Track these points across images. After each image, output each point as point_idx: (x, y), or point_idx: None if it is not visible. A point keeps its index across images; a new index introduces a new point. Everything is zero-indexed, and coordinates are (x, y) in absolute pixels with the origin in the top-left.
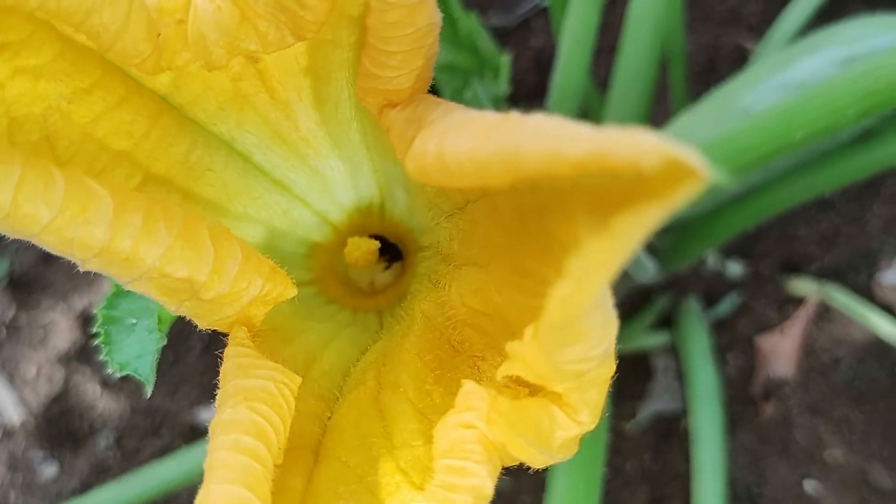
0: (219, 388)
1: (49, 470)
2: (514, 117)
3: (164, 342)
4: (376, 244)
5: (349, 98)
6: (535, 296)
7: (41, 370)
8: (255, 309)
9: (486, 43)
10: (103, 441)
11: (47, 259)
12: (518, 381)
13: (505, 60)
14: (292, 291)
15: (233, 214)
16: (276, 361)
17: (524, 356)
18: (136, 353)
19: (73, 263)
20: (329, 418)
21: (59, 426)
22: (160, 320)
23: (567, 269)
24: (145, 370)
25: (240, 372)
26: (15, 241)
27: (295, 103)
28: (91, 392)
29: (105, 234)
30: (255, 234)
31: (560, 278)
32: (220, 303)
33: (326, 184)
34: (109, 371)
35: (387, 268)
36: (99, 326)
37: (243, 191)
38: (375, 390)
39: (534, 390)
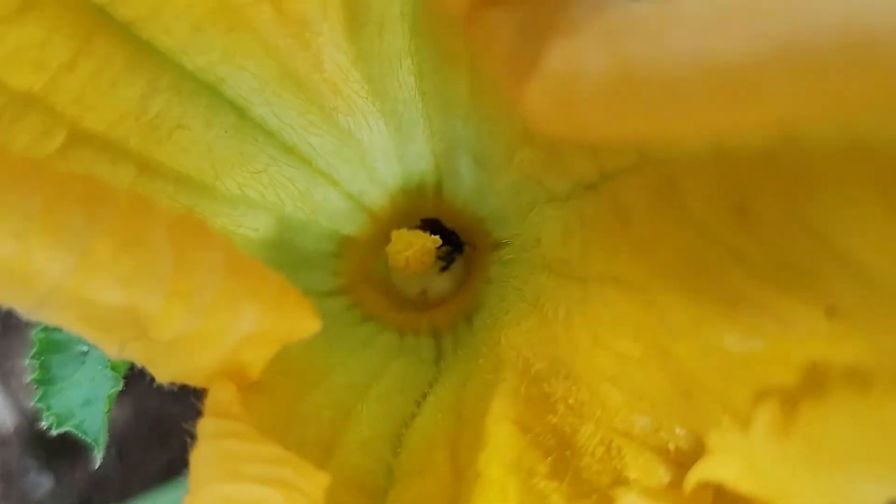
0: (188, 491)
1: (45, 483)
2: None
3: (121, 386)
4: (436, 240)
5: (401, 17)
6: (768, 359)
7: None
8: (251, 353)
9: None
10: (103, 452)
11: None
12: (717, 494)
13: None
14: (314, 324)
15: (221, 196)
16: (288, 427)
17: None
18: (82, 398)
19: None
20: None
21: (56, 437)
22: None
23: None
24: (93, 425)
25: (223, 467)
26: None
27: (316, 24)
28: None
29: None
30: (258, 226)
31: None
32: (188, 346)
33: (362, 153)
34: (43, 425)
35: (444, 268)
36: (34, 356)
37: (237, 161)
38: (451, 478)
39: None
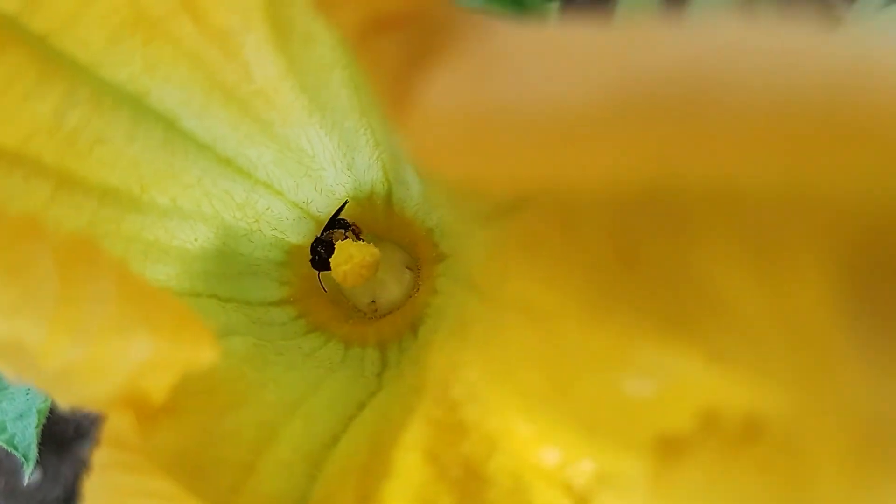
0: None
1: (32, 475)
2: (653, 27)
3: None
4: (376, 254)
5: (327, 29)
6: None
7: None
8: (150, 381)
9: None
10: (90, 446)
11: None
12: None
13: (553, 6)
14: (212, 354)
15: (151, 209)
16: (206, 447)
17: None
18: (16, 412)
19: None
20: None
21: (44, 429)
22: None
23: None
24: (24, 439)
25: (109, 500)
26: None
27: (240, 35)
28: None
29: None
30: (195, 237)
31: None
32: (79, 376)
33: (305, 163)
34: None
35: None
36: None
37: (167, 174)
38: None
39: None
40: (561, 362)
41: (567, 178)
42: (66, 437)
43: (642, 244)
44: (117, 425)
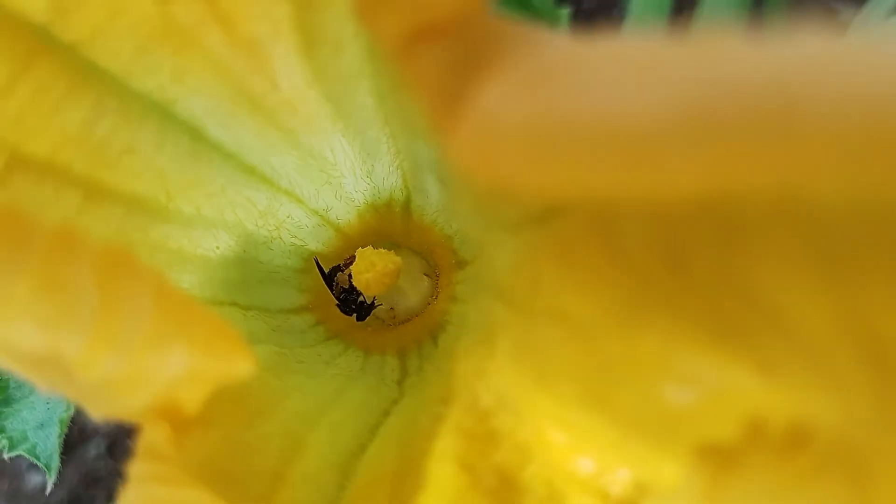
0: None
1: (36, 478)
2: (725, 41)
3: (73, 410)
4: (398, 262)
5: (356, 37)
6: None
7: None
8: (184, 393)
9: None
10: (94, 449)
11: None
12: None
13: (564, 13)
14: (248, 367)
15: (177, 217)
16: (235, 459)
17: None
18: (36, 421)
19: None
20: None
21: None
22: None
23: None
24: (47, 448)
25: None
26: None
27: (268, 44)
28: None
29: None
30: (217, 245)
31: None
32: (116, 388)
33: (327, 171)
34: None
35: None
36: None
37: (192, 183)
38: None
39: None
40: (599, 371)
41: (621, 190)
42: (70, 440)
43: (692, 254)
44: (152, 437)
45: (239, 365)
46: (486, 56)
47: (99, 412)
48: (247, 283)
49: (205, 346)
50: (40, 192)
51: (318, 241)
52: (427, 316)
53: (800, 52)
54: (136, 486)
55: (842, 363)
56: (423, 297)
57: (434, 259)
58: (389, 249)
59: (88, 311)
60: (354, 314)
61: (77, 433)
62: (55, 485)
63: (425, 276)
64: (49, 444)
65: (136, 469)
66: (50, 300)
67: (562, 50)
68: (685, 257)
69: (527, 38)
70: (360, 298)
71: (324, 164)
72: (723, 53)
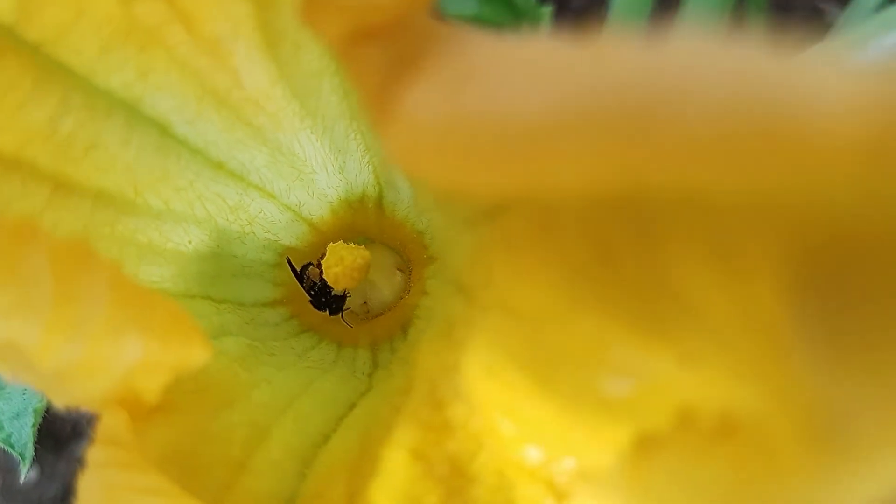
0: None
1: (29, 473)
2: (617, 42)
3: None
4: (367, 256)
5: (315, 36)
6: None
7: None
8: (143, 381)
9: None
10: (87, 444)
11: None
12: None
13: (546, 12)
14: (204, 355)
15: (146, 211)
16: (198, 447)
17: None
18: (12, 412)
19: None
20: None
21: (41, 428)
22: None
23: None
24: (21, 438)
25: (103, 496)
26: None
27: (230, 43)
28: None
29: None
30: (190, 239)
31: None
32: (74, 376)
33: (297, 167)
34: None
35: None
36: None
37: (160, 178)
38: None
39: None
40: (543, 362)
41: (540, 185)
42: (63, 435)
43: (617, 246)
44: (111, 424)
45: (195, 354)
46: (417, 57)
47: (61, 401)
48: (221, 276)
49: (161, 334)
50: (7, 186)
51: (291, 237)
52: (399, 310)
53: (678, 56)
54: (93, 471)
55: (741, 348)
56: (397, 291)
57: (407, 254)
58: (363, 245)
59: (45, 301)
60: (327, 309)
61: (70, 429)
62: (48, 480)
63: (398, 271)
64: (24, 433)
65: (94, 454)
66: (7, 290)
67: (482, 51)
68: (613, 251)
69: (457, 39)
70: (334, 292)
71: (294, 161)
72: (612, 54)
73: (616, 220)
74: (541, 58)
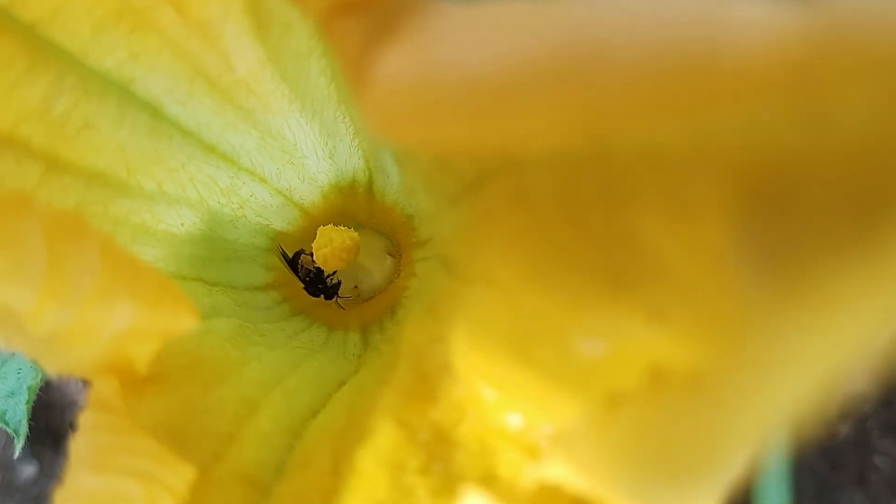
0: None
1: (28, 469)
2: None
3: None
4: (355, 238)
5: (303, 18)
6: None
7: None
8: (134, 348)
9: None
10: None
11: None
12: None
13: None
14: (192, 321)
15: (138, 192)
16: (190, 419)
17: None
18: (7, 390)
19: None
20: None
21: (39, 423)
22: None
23: None
24: (15, 415)
25: (93, 459)
26: None
27: (220, 25)
28: (73, 387)
29: None
30: (182, 222)
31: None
32: (65, 341)
33: (288, 151)
34: None
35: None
36: None
37: (153, 159)
38: (329, 473)
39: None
40: (521, 331)
41: (510, 140)
42: (61, 432)
43: (585, 207)
44: (103, 391)
45: (184, 321)
46: (394, 25)
47: (53, 367)
48: (213, 259)
49: (150, 301)
50: (1, 163)
51: (283, 221)
52: (389, 293)
53: (612, 5)
54: (85, 434)
55: (700, 301)
56: (387, 275)
57: (397, 238)
58: (353, 229)
59: (37, 268)
60: (322, 294)
61: (70, 425)
62: (47, 476)
63: (388, 256)
64: (18, 411)
65: (86, 419)
66: (1, 257)
67: (456, 17)
68: (582, 212)
69: (430, 8)
70: (327, 278)
71: (284, 144)
72: (566, 5)
73: (583, 181)
74: (505, 16)
